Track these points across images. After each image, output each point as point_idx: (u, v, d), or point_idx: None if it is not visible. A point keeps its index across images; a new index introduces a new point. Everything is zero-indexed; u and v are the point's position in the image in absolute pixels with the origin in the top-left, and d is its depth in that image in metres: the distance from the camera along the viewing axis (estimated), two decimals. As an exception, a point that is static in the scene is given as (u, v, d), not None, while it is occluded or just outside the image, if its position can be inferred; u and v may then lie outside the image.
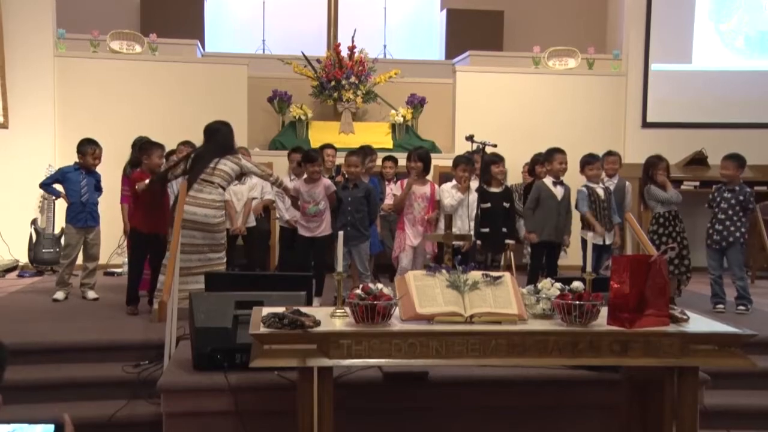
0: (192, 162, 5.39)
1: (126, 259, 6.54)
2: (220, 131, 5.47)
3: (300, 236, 6.04)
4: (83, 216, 6.10)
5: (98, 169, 6.28)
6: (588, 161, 6.38)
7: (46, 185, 6.34)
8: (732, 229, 6.01)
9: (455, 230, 6.08)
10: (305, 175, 6.05)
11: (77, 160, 6.18)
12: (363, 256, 6.09)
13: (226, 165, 5.36)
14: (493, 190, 6.42)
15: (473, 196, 6.26)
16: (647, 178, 6.43)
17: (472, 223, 6.11)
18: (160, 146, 6.05)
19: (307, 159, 6.06)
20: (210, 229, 5.27)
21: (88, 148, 6.14)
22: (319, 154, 6.26)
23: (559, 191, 6.25)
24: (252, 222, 6.68)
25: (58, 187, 6.27)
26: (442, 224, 6.20)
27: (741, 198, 6.02)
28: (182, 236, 5.15)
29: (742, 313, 5.92)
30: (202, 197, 5.27)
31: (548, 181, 6.29)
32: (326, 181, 6.16)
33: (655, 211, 6.34)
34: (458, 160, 6.51)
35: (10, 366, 4.40)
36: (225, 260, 5.47)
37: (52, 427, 1.56)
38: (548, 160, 6.34)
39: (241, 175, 5.79)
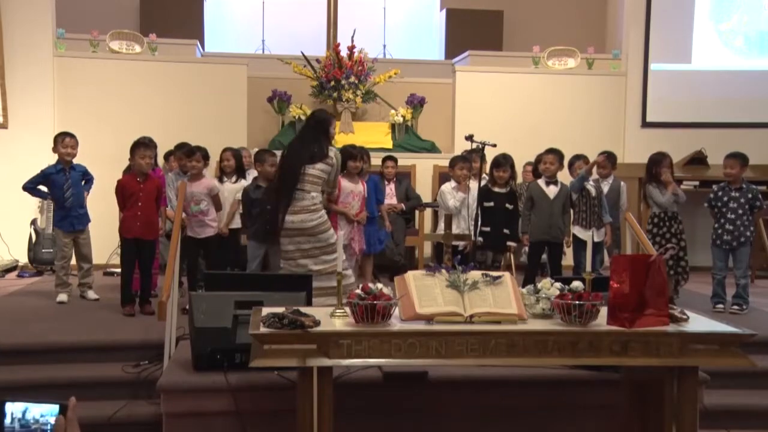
0: (281, 172, 5.43)
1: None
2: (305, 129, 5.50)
3: (187, 237, 5.94)
4: (68, 221, 6.02)
5: (96, 167, 6.26)
6: (574, 161, 6.52)
7: (29, 189, 6.10)
8: (742, 229, 6.00)
9: (458, 230, 6.10)
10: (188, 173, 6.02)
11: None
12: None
13: (314, 168, 5.32)
14: (497, 190, 6.43)
15: (472, 196, 6.26)
16: (650, 176, 6.37)
17: (473, 223, 6.12)
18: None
19: (187, 154, 6.02)
20: (310, 233, 5.25)
21: (57, 139, 6.03)
22: (201, 149, 6.02)
23: (552, 191, 6.25)
24: (237, 224, 6.41)
25: (43, 188, 6.10)
26: (442, 224, 6.23)
27: (750, 196, 6.02)
28: (289, 244, 5.25)
29: (735, 313, 5.91)
30: (298, 205, 5.27)
31: (541, 181, 6.32)
32: (210, 181, 6.12)
33: (652, 210, 6.34)
34: (455, 160, 6.56)
35: (10, 366, 4.44)
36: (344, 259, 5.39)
37: (57, 407, 1.61)
38: (538, 160, 6.40)
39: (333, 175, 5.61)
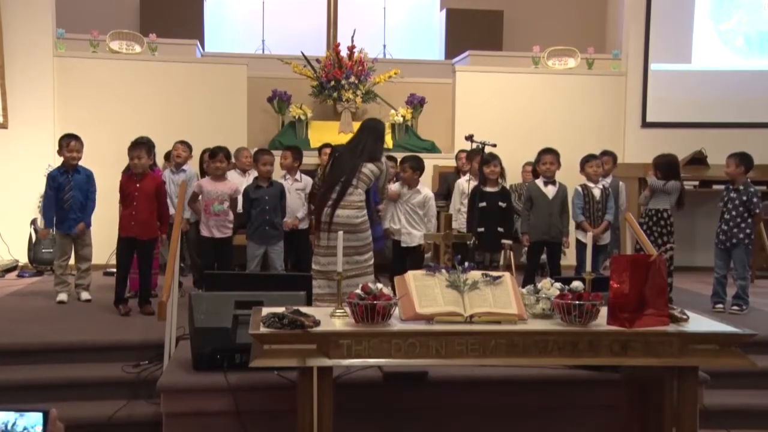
0: (337, 170, 5.32)
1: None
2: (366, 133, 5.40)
3: (202, 236, 5.99)
4: (66, 224, 5.99)
5: (96, 167, 6.25)
6: (587, 159, 6.45)
7: (46, 211, 6.09)
8: (735, 230, 5.98)
9: (393, 226, 6.32)
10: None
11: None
12: (280, 255, 6.13)
13: (367, 167, 5.28)
14: (489, 189, 6.44)
15: (421, 197, 6.34)
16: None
17: (430, 224, 6.27)
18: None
19: (211, 155, 6.09)
20: (352, 230, 5.11)
21: (62, 142, 6.04)
22: (223, 150, 6.12)
23: (550, 191, 6.27)
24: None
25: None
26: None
27: (744, 198, 6.00)
28: (329, 239, 5.09)
29: (735, 313, 5.91)
30: (347, 199, 5.17)
31: (539, 181, 6.33)
32: (233, 183, 6.21)
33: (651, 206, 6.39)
34: (403, 160, 6.61)
35: (10, 366, 4.44)
36: (372, 263, 5.29)
37: (41, 415, 1.65)
38: (537, 161, 6.40)
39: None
